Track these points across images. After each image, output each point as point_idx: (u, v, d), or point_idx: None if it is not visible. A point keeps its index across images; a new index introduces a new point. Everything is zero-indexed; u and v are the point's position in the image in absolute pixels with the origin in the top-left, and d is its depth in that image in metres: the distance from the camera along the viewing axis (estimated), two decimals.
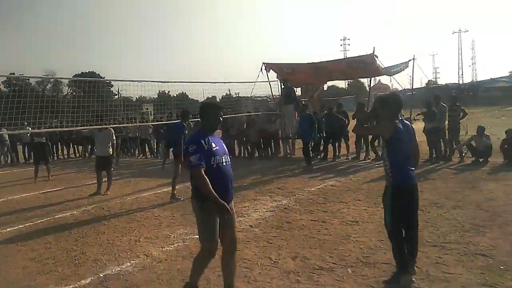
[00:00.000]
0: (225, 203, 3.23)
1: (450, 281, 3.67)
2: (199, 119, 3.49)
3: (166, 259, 4.77)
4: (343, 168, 10.80)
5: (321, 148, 12.84)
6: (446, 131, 10.78)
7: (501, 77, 63.63)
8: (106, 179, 9.10)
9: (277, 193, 7.99)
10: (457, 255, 4.27)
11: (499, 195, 6.68)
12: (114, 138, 9.17)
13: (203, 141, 3.32)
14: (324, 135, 12.75)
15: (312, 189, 8.15)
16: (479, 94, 49.61)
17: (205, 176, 3.24)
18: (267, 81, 14.56)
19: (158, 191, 8.93)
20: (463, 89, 53.06)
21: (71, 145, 18.40)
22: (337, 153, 12.34)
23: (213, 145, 3.38)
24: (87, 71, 54.50)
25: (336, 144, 12.41)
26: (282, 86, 14.35)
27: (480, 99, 45.20)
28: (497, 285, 3.51)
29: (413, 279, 3.69)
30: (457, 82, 75.99)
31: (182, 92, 14.86)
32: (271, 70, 14.68)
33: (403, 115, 11.63)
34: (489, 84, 57.57)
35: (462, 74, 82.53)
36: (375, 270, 4.05)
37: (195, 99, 15.40)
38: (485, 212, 5.76)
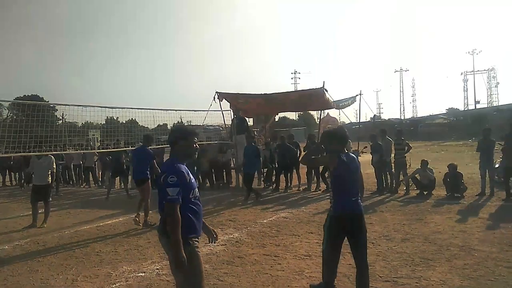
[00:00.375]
0: (185, 258, 2.86)
1: None
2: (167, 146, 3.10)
3: None
4: (295, 199, 10.78)
5: (273, 179, 12.81)
6: (392, 164, 11.17)
7: (439, 114, 68.37)
8: (43, 210, 8.38)
9: (229, 225, 7.73)
10: None
11: (444, 228, 6.88)
12: (55, 166, 8.54)
13: (185, 172, 3.02)
14: (276, 165, 12.78)
15: (264, 221, 7.99)
16: (418, 129, 52.69)
17: (178, 214, 2.91)
18: (219, 110, 14.48)
19: (101, 224, 8.35)
20: (404, 124, 56.14)
21: (7, 172, 17.07)
22: (289, 184, 12.35)
23: (191, 176, 3.10)
24: (30, 94, 51.73)
25: (288, 175, 12.43)
26: (234, 116, 14.30)
27: (420, 134, 47.98)
28: None
29: None
30: (399, 117, 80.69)
31: (132, 119, 14.33)
32: (224, 100, 14.65)
33: (352, 148, 12.10)
34: (428, 120, 61.57)
35: (403, 110, 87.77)
36: None
37: (145, 126, 14.93)
38: (433, 245, 5.87)
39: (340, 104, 14.87)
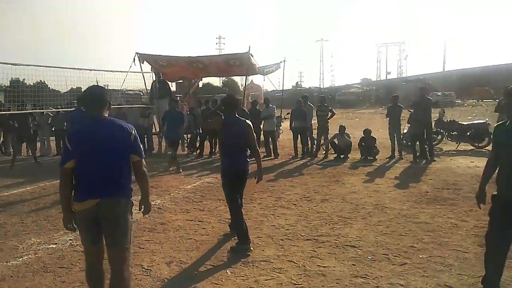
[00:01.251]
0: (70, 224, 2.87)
1: (326, 275, 3.75)
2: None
3: (12, 276, 3.93)
4: (219, 164, 10.68)
5: (197, 144, 12.59)
6: (314, 130, 11.56)
7: (354, 83, 72.27)
8: None
9: (151, 192, 7.42)
10: (330, 247, 4.43)
11: (359, 188, 7.31)
12: None
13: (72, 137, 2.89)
14: (201, 131, 12.54)
15: (188, 187, 7.82)
16: (336, 98, 55.37)
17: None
18: (140, 72, 13.66)
19: (5, 193, 7.54)
20: (323, 92, 58.55)
21: None
22: (213, 150, 12.21)
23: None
24: None
25: (213, 141, 12.27)
26: (155, 79, 13.59)
27: (337, 102, 50.51)
28: (367, 276, 3.69)
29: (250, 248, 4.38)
30: (318, 86, 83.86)
31: (41, 81, 12.86)
32: (145, 62, 13.83)
33: (275, 114, 12.25)
34: (344, 89, 64.89)
35: (323, 79, 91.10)
36: (254, 270, 3.93)
37: (56, 89, 13.55)
38: (350, 204, 6.20)
39: (265, 70, 14.88)
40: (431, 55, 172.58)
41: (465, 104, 41.64)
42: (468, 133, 11.65)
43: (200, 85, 24.88)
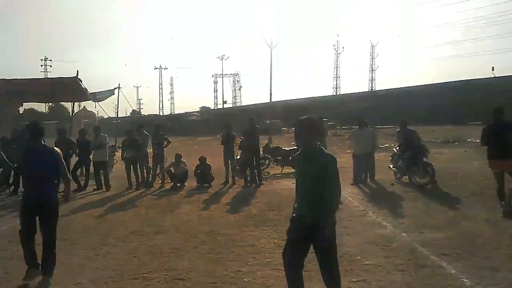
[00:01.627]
0: None
1: None
2: None
3: None
4: None
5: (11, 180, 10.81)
6: (150, 159, 11.26)
7: (193, 111, 74.03)
8: None
9: None
10: (158, 284, 4.25)
11: (194, 217, 7.34)
12: None
13: None
14: (15, 165, 10.83)
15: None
16: (176, 126, 55.65)
17: None
18: None
19: None
20: (163, 120, 58.26)
21: None
22: None
23: None
24: None
25: None
26: None
27: (177, 130, 50.77)
28: None
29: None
30: (157, 113, 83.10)
31: None
32: None
33: (109, 143, 11.52)
34: (184, 117, 65.87)
35: (162, 107, 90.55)
36: None
37: None
38: (183, 235, 6.14)
39: (97, 96, 14.04)
40: (262, 86, 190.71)
41: (289, 131, 46.85)
42: (290, 158, 13.03)
43: (21, 111, 21.86)
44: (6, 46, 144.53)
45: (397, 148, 10.56)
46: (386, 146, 18.29)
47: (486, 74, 50.86)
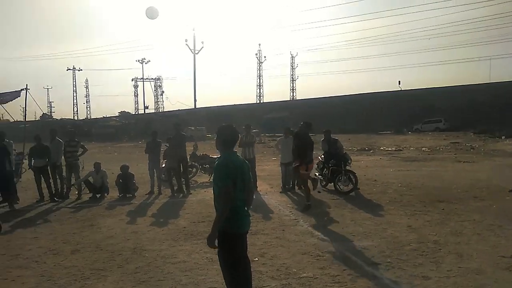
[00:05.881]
0: None
1: None
2: None
3: None
4: None
5: None
6: (64, 167, 10.27)
7: (112, 116, 70.37)
8: None
9: None
10: None
11: (117, 231, 6.75)
12: None
13: None
14: None
15: None
16: (93, 131, 52.34)
17: None
18: None
19: None
20: (78, 125, 54.41)
21: None
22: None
23: None
24: None
25: None
26: None
27: (95, 136, 47.78)
28: None
29: None
30: (72, 117, 77.63)
31: None
32: None
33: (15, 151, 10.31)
34: (102, 122, 62.20)
35: (77, 111, 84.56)
36: None
37: None
38: (105, 252, 5.60)
39: (0, 98, 12.63)
40: (186, 92, 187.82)
41: (215, 138, 46.54)
42: None
43: None
44: None
45: (322, 156, 10.87)
46: None
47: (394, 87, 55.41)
